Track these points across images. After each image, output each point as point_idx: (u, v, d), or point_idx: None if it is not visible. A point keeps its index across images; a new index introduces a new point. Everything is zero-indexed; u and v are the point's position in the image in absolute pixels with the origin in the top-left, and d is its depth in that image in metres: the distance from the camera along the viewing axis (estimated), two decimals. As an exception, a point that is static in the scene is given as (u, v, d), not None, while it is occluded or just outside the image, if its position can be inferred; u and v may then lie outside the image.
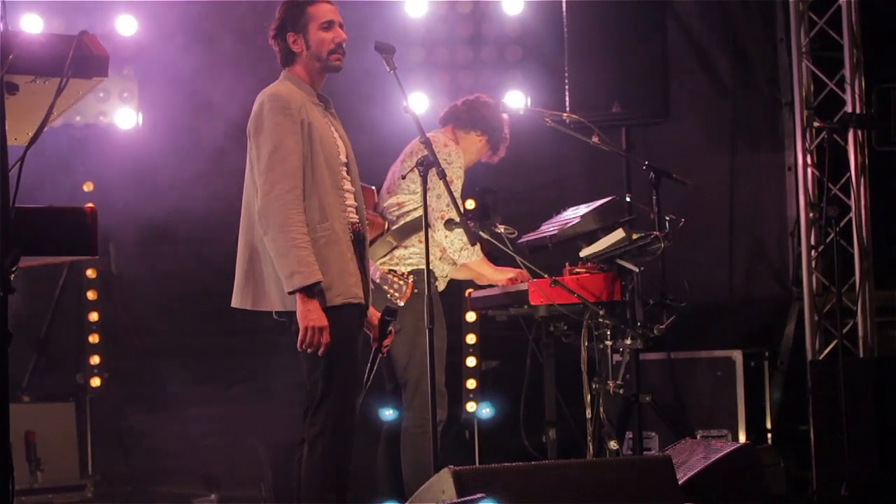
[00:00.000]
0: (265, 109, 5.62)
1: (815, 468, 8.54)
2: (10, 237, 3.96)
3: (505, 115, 7.45)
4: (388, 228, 7.00)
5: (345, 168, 5.80)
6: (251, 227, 5.65)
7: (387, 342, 5.96)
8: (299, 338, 5.49)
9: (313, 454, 5.57)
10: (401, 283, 6.41)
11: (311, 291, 5.47)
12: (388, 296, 6.45)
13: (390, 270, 6.65)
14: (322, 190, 5.61)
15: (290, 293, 5.49)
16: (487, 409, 9.14)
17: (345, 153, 5.83)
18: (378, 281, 6.53)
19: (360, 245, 5.82)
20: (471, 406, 9.19)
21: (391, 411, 6.99)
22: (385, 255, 6.94)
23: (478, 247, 7.02)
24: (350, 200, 5.79)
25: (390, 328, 5.95)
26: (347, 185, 5.79)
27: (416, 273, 6.83)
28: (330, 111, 5.89)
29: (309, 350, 5.49)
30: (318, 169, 5.61)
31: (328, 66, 5.81)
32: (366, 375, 5.90)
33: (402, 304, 6.45)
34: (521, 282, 7.17)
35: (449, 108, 7.49)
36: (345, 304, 5.60)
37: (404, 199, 7.03)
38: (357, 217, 5.83)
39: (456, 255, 7.03)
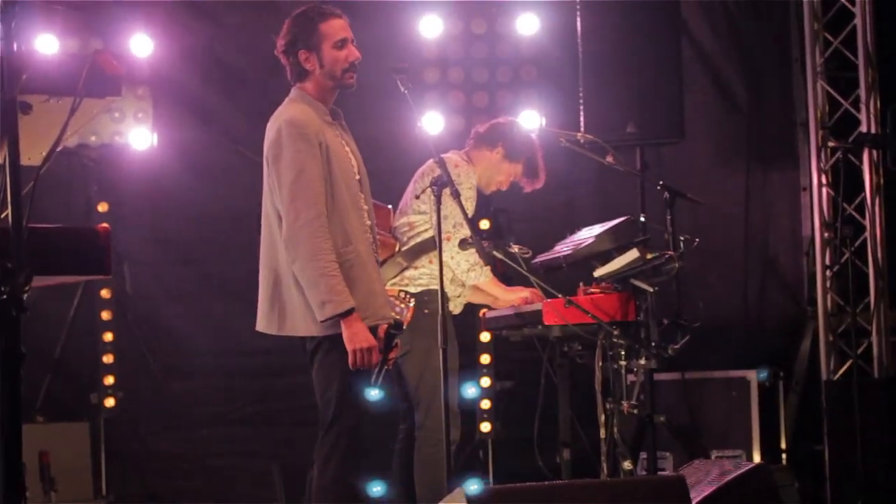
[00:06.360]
0: (283, 136, 5.57)
1: (829, 488, 8.51)
2: (23, 257, 3.95)
3: (533, 137, 7.42)
4: (399, 249, 6.99)
5: (359, 186, 5.79)
6: (274, 253, 5.62)
7: (392, 355, 5.88)
8: (349, 360, 5.47)
9: (324, 475, 5.55)
10: (402, 306, 6.37)
11: (350, 314, 5.47)
12: None
13: (400, 291, 6.63)
14: (343, 212, 5.60)
15: (322, 322, 5.48)
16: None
17: (356, 168, 5.81)
18: None
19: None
20: (485, 426, 9.16)
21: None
22: (395, 276, 6.92)
23: (487, 268, 6.99)
24: (367, 219, 5.79)
25: (395, 341, 5.91)
26: (363, 204, 5.78)
27: (426, 293, 6.81)
28: (341, 124, 5.86)
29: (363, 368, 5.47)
30: (338, 192, 5.59)
31: (342, 85, 5.77)
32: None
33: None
34: (535, 302, 7.16)
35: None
36: (373, 326, 5.60)
37: (415, 220, 7.00)
38: (372, 236, 5.84)
39: (464, 277, 6.99)
